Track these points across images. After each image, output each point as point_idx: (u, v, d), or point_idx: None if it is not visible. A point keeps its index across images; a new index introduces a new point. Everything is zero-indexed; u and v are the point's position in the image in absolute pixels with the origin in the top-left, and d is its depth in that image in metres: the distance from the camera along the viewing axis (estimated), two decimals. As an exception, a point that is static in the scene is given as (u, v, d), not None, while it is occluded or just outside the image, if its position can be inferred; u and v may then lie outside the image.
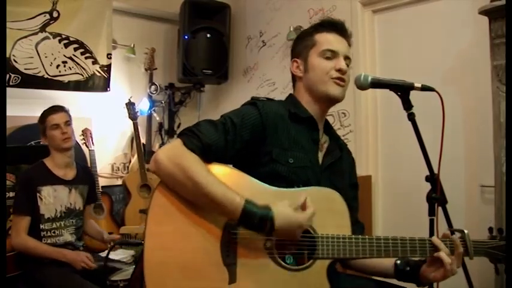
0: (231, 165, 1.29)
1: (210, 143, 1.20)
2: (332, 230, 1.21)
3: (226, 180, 1.18)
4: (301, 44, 1.44)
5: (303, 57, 1.41)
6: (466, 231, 1.23)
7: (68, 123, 2.34)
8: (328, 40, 1.38)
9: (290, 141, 1.32)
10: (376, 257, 1.22)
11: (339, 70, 1.35)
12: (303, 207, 1.18)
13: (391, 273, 1.34)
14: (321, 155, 1.40)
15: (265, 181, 1.24)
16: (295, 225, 1.15)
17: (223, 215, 1.16)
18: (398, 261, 1.31)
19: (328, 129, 1.48)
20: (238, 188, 1.17)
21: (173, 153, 1.18)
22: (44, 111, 2.36)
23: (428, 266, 1.24)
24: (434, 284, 1.27)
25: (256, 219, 1.12)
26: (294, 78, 1.47)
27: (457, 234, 1.25)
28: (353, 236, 1.22)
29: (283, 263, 1.19)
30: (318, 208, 1.20)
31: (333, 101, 1.39)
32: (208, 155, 1.21)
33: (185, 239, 1.15)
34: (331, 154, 1.42)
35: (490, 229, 1.30)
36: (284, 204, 1.16)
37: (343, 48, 1.39)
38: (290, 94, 1.48)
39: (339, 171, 1.42)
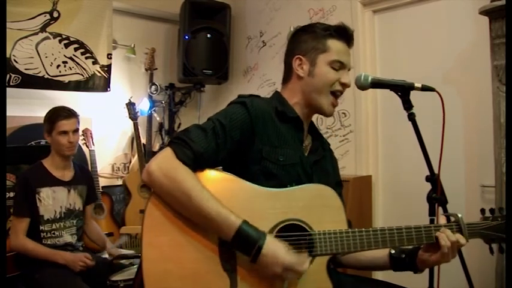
0: (221, 168, 1.29)
1: (201, 152, 1.19)
2: (328, 226, 1.22)
3: (217, 185, 1.18)
4: (310, 42, 1.38)
5: (310, 58, 1.37)
6: (459, 215, 1.24)
7: (77, 131, 2.32)
8: (340, 50, 1.36)
9: (279, 138, 1.32)
10: (374, 248, 1.23)
11: (344, 84, 1.36)
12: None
13: (386, 264, 1.35)
14: (306, 154, 1.40)
15: (257, 179, 1.24)
16: (276, 262, 1.11)
17: (217, 233, 1.14)
18: (393, 251, 1.33)
19: (312, 129, 1.48)
20: (230, 192, 1.17)
21: (166, 166, 1.16)
22: (56, 112, 2.30)
23: (426, 251, 1.25)
24: (435, 277, 1.28)
25: (247, 240, 1.11)
26: (290, 75, 1.42)
27: (451, 218, 1.26)
28: (349, 229, 1.22)
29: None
30: (312, 205, 1.22)
31: (321, 114, 1.42)
32: (201, 163, 1.20)
33: (183, 248, 1.15)
34: (315, 153, 1.43)
35: (482, 210, 1.30)
36: (281, 243, 1.14)
37: (350, 61, 1.40)
38: (276, 91, 1.46)
39: (324, 170, 1.43)
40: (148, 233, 1.15)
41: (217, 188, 1.18)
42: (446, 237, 1.19)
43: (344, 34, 1.38)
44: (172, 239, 1.15)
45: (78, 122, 2.35)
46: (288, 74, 1.44)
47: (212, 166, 1.23)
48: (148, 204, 1.17)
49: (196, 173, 1.18)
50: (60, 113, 2.28)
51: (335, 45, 1.36)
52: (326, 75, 1.35)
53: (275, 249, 1.12)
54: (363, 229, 1.23)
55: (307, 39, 1.39)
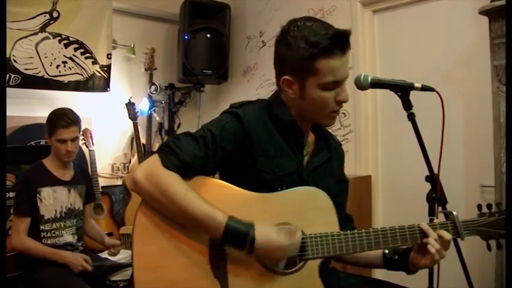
0: (216, 175, 1.28)
1: (188, 161, 1.17)
2: (319, 229, 1.21)
3: (206, 191, 1.17)
4: (296, 61, 1.22)
5: (298, 80, 1.24)
6: (454, 213, 1.23)
7: (76, 138, 2.28)
8: (331, 69, 1.20)
9: (275, 147, 1.28)
10: (367, 250, 1.22)
11: (341, 102, 1.26)
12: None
13: (380, 264, 1.35)
14: (307, 158, 1.37)
15: (250, 188, 1.22)
16: (275, 247, 1.12)
17: (206, 233, 1.14)
18: (386, 251, 1.32)
19: (316, 127, 1.41)
20: (219, 197, 1.16)
21: (151, 173, 1.15)
22: (56, 118, 2.23)
23: (417, 253, 1.24)
24: (435, 277, 1.27)
25: (238, 236, 1.11)
26: (281, 89, 1.32)
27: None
28: (341, 232, 1.21)
29: (273, 268, 1.18)
30: (303, 208, 1.21)
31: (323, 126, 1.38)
32: (188, 172, 1.18)
33: (173, 256, 1.15)
34: (318, 155, 1.38)
35: (479, 206, 1.29)
36: (270, 225, 1.14)
37: (346, 73, 1.24)
38: (276, 92, 1.36)
39: (326, 173, 1.39)
40: (139, 242, 1.15)
41: (207, 193, 1.17)
42: (432, 245, 1.18)
43: (337, 46, 1.19)
44: (162, 247, 1.15)
45: (80, 129, 2.32)
46: (279, 87, 1.33)
47: (200, 175, 1.21)
48: (137, 213, 1.17)
49: (185, 180, 1.17)
50: (60, 121, 2.21)
51: (325, 65, 1.19)
52: (319, 100, 1.24)
53: (267, 237, 1.12)
54: (355, 231, 1.22)
55: (293, 55, 1.22)
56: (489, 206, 1.28)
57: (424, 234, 1.21)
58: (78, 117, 2.30)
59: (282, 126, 1.31)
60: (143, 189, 1.15)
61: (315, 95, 1.24)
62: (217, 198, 1.16)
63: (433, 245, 1.18)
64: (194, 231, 1.16)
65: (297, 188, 1.26)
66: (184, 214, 1.12)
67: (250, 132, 1.25)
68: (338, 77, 1.22)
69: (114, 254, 2.37)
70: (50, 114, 2.29)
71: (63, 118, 2.23)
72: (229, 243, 1.13)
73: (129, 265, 2.25)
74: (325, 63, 1.19)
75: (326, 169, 1.39)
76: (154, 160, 1.17)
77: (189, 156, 1.17)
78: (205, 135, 1.21)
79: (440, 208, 1.28)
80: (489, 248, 1.28)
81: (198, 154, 1.19)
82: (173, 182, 1.14)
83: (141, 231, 1.16)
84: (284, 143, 1.31)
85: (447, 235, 1.19)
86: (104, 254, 2.45)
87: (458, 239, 1.24)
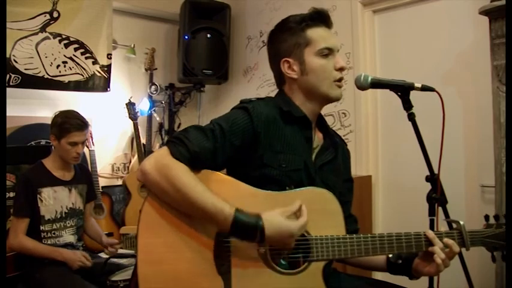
0: (224, 170, 1.28)
1: (197, 152, 1.17)
2: (326, 231, 1.21)
3: (215, 187, 1.16)
4: (289, 41, 1.35)
5: (297, 57, 1.34)
6: (461, 222, 1.23)
7: (86, 141, 2.32)
8: (322, 36, 1.33)
9: (283, 143, 1.29)
10: (372, 255, 1.22)
11: (341, 69, 1.33)
12: (297, 214, 1.17)
13: (383, 267, 1.35)
14: (314, 154, 1.37)
15: (258, 184, 1.22)
16: (285, 234, 1.13)
17: (214, 225, 1.14)
18: (390, 255, 1.32)
19: (322, 124, 1.44)
20: (228, 194, 1.16)
21: (160, 164, 1.15)
22: (69, 121, 2.23)
23: (422, 260, 1.24)
24: (434, 280, 1.27)
25: (247, 228, 1.11)
26: (283, 79, 1.40)
27: (453, 225, 1.25)
28: (347, 235, 1.21)
29: (278, 268, 1.18)
30: (311, 209, 1.20)
31: (333, 101, 1.38)
32: (197, 164, 1.18)
33: (178, 250, 1.14)
34: (324, 153, 1.39)
35: (486, 217, 1.29)
36: (275, 212, 1.15)
37: (336, 43, 1.36)
38: (281, 90, 1.42)
39: (332, 170, 1.39)
40: (144, 235, 1.15)
41: (215, 188, 1.16)
42: (437, 254, 1.18)
43: (320, 18, 1.35)
44: (167, 241, 1.15)
45: (88, 132, 2.34)
46: (281, 79, 1.41)
47: (209, 168, 1.22)
48: (144, 205, 1.17)
49: (193, 173, 1.17)
50: (74, 124, 2.23)
51: (315, 33, 1.33)
52: (319, 68, 1.32)
53: (276, 226, 1.12)
54: (361, 235, 1.22)
55: (286, 38, 1.36)
56: (496, 217, 1.27)
57: (429, 243, 1.21)
58: (87, 120, 2.32)
59: (291, 123, 1.33)
60: (152, 180, 1.15)
61: (314, 64, 1.32)
62: (224, 193, 1.16)
63: (439, 255, 1.18)
64: (201, 226, 1.16)
65: (305, 188, 1.26)
66: (193, 206, 1.12)
67: (259, 128, 1.26)
68: (330, 44, 1.33)
69: (112, 254, 2.36)
70: (57, 117, 2.27)
71: (76, 121, 2.25)
72: (238, 235, 1.13)
73: (129, 266, 2.25)
74: (315, 31, 1.34)
75: (333, 167, 1.40)
76: (164, 151, 1.18)
77: (198, 147, 1.18)
78: (215, 129, 1.22)
79: (441, 210, 1.28)
80: (494, 259, 1.27)
81: (207, 146, 1.19)
82: (183, 173, 1.14)
83: (147, 223, 1.15)
84: (293, 139, 1.31)
85: (456, 248, 1.19)
86: (103, 255, 2.45)
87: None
